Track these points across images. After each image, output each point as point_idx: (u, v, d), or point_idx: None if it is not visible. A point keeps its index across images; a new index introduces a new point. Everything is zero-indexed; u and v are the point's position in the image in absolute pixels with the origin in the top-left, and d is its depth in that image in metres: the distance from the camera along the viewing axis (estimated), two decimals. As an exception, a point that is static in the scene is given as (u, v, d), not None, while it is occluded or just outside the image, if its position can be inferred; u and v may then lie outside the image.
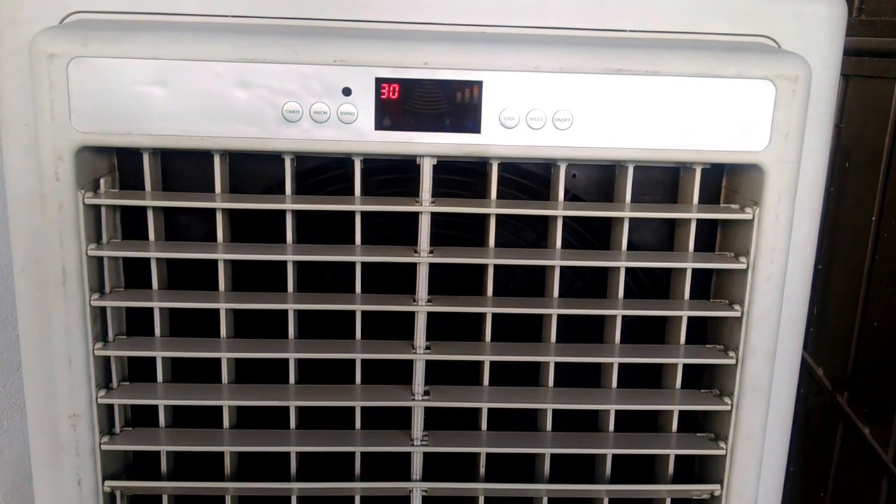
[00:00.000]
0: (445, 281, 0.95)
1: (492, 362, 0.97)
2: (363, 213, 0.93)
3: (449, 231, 0.95)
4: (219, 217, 0.92)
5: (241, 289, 0.95)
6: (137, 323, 0.96)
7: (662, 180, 0.97)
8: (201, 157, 0.91)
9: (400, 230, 0.95)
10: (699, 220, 0.95)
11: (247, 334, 0.96)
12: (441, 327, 0.96)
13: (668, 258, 0.95)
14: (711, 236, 0.98)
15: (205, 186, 0.93)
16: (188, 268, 0.95)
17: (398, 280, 0.95)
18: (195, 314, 0.95)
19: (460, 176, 0.95)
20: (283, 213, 0.93)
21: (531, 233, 0.97)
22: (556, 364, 0.97)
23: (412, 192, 0.93)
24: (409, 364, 0.96)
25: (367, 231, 0.94)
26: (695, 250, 0.95)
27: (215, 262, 0.93)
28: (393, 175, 0.95)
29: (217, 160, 0.90)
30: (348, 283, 0.94)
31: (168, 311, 0.96)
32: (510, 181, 0.95)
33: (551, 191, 0.94)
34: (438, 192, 0.92)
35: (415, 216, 0.92)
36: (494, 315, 0.96)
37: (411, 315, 0.94)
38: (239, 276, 0.96)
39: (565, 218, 0.94)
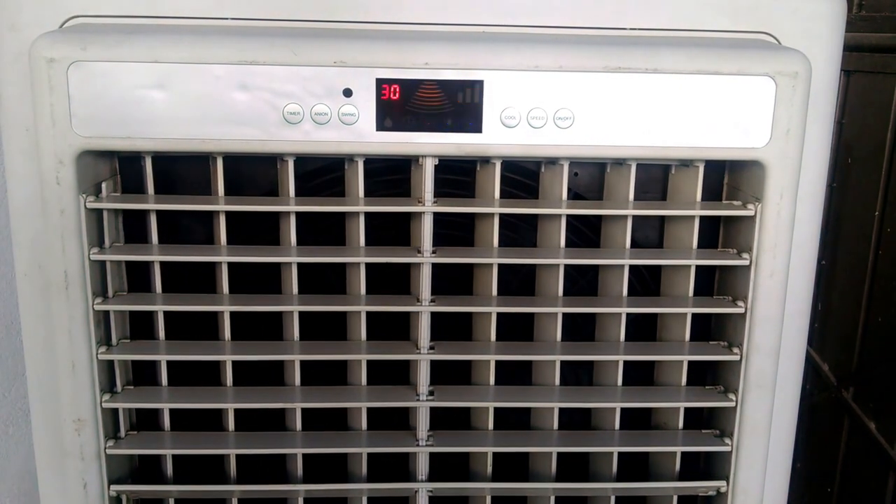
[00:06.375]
0: (442, 280, 0.95)
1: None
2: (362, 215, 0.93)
3: (443, 230, 0.95)
4: (221, 220, 0.92)
5: (239, 291, 0.95)
6: (140, 326, 0.96)
7: (663, 178, 0.97)
8: (193, 161, 0.92)
9: (394, 231, 0.95)
10: (700, 217, 0.95)
11: (245, 335, 0.96)
12: (439, 327, 0.95)
13: (672, 255, 0.95)
14: (711, 233, 0.98)
15: (200, 190, 0.93)
16: (186, 272, 0.95)
17: (395, 279, 0.96)
18: (192, 317, 0.95)
19: (453, 175, 0.95)
20: (278, 215, 0.93)
21: (531, 231, 0.97)
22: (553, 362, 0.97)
23: (407, 192, 0.93)
24: (406, 364, 0.97)
25: (365, 232, 0.94)
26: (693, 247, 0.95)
27: (212, 265, 0.93)
28: (389, 176, 0.95)
29: (219, 163, 0.90)
30: (347, 283, 0.95)
31: (166, 315, 0.96)
32: (509, 179, 0.95)
33: (543, 189, 0.94)
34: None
35: (410, 216, 0.92)
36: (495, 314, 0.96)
37: (408, 315, 0.95)
38: (236, 279, 0.95)
39: (568, 217, 0.94)
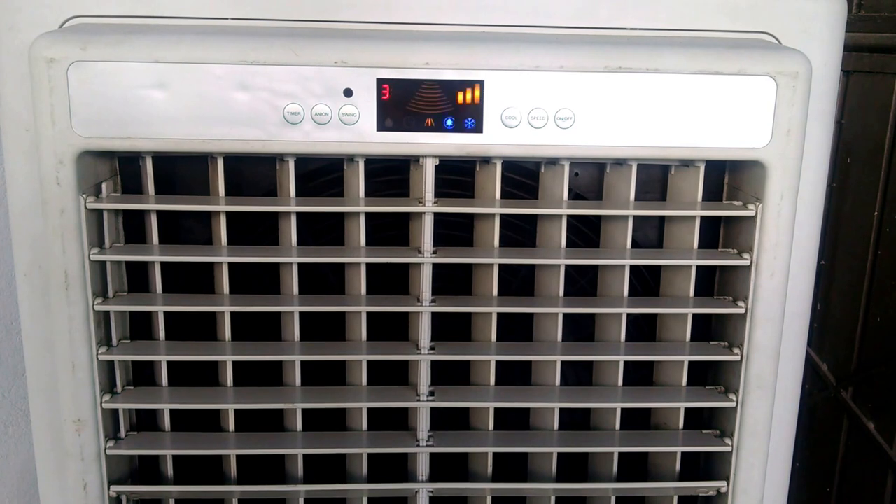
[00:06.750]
0: (442, 280, 0.95)
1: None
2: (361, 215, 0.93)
3: (443, 230, 0.94)
4: (221, 220, 0.92)
5: (239, 291, 0.95)
6: (140, 327, 0.96)
7: (663, 178, 0.97)
8: (193, 161, 0.92)
9: (394, 231, 0.95)
10: (700, 217, 0.95)
11: (245, 336, 0.96)
12: (440, 327, 0.95)
13: (673, 256, 0.95)
14: (711, 233, 0.98)
15: (200, 190, 0.93)
16: (186, 272, 0.95)
17: (395, 280, 0.96)
18: (192, 317, 0.95)
19: (453, 175, 0.95)
20: (278, 215, 0.93)
21: (532, 231, 0.97)
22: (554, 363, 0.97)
23: (405, 192, 0.93)
24: (406, 364, 0.97)
25: (365, 232, 0.94)
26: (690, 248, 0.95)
27: (212, 265, 0.94)
28: (388, 177, 0.95)
29: (219, 163, 0.90)
30: (346, 283, 0.95)
31: (166, 315, 0.96)
32: (509, 179, 0.95)
33: (544, 189, 0.95)
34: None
35: (410, 217, 0.93)
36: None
37: (408, 315, 0.95)
38: (236, 279, 0.95)
39: (568, 217, 0.94)
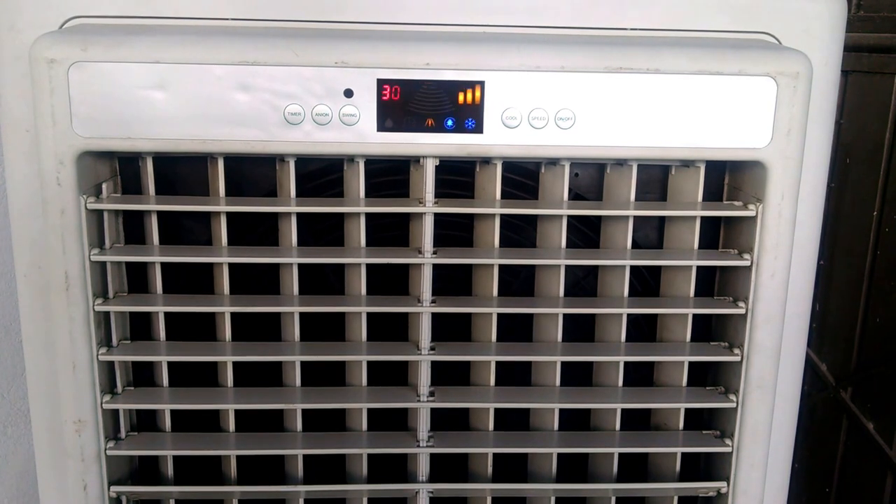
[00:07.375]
0: (442, 280, 0.95)
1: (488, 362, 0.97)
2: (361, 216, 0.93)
3: (443, 231, 0.94)
4: (221, 220, 0.92)
5: (239, 291, 0.95)
6: (140, 327, 0.96)
7: (663, 178, 0.97)
8: (193, 161, 0.92)
9: (395, 231, 0.95)
10: (700, 218, 0.95)
11: (246, 336, 0.96)
12: (440, 327, 0.95)
13: (673, 256, 0.95)
14: (711, 234, 0.98)
15: (200, 191, 0.93)
16: (186, 273, 0.95)
17: (395, 280, 0.96)
18: (192, 318, 0.95)
19: (452, 175, 0.95)
20: (278, 216, 0.93)
21: (532, 231, 0.97)
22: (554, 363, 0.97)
23: (404, 192, 0.93)
24: (406, 365, 0.97)
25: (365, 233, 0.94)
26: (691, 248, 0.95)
27: (212, 265, 0.94)
28: (388, 177, 0.94)
29: (220, 163, 0.90)
30: (346, 284, 0.95)
31: (167, 315, 0.96)
32: (509, 179, 0.95)
33: (544, 189, 0.95)
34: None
35: (409, 217, 0.93)
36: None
37: (408, 315, 0.95)
38: (236, 280, 0.95)
39: (568, 217, 0.94)
